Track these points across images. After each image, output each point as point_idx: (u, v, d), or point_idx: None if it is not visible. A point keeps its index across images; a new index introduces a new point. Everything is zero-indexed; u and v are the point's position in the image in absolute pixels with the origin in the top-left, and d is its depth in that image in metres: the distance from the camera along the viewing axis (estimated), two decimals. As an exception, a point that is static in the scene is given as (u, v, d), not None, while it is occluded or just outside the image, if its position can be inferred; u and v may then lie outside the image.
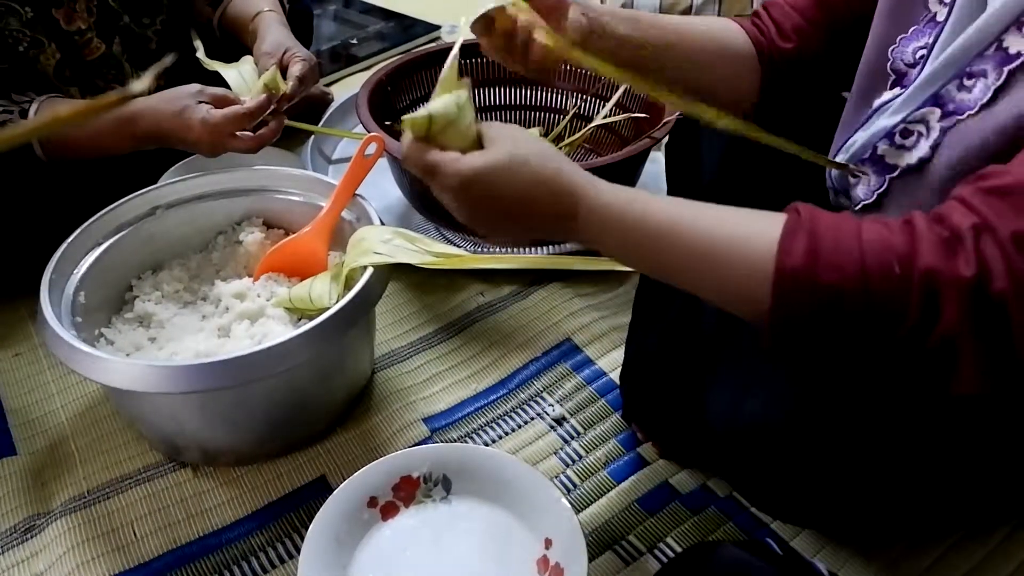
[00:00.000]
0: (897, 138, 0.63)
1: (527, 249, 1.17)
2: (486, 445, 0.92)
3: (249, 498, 0.87)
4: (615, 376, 0.99)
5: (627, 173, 1.16)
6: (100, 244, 0.95)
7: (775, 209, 0.54)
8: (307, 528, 0.76)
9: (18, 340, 1.08)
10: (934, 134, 0.59)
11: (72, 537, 0.83)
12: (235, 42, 1.19)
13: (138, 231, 0.98)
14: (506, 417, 0.96)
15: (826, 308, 0.49)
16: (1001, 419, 0.65)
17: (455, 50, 0.65)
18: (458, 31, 0.68)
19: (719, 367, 0.74)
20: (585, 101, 1.36)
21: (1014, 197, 0.47)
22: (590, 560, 0.72)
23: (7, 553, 0.83)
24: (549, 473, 0.88)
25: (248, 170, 1.05)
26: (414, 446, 0.89)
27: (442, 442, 0.92)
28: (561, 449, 0.92)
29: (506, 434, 0.94)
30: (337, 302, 0.83)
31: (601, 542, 0.82)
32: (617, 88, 1.28)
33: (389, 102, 1.26)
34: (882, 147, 0.64)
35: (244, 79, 1.09)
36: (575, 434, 0.93)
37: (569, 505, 0.76)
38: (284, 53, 1.05)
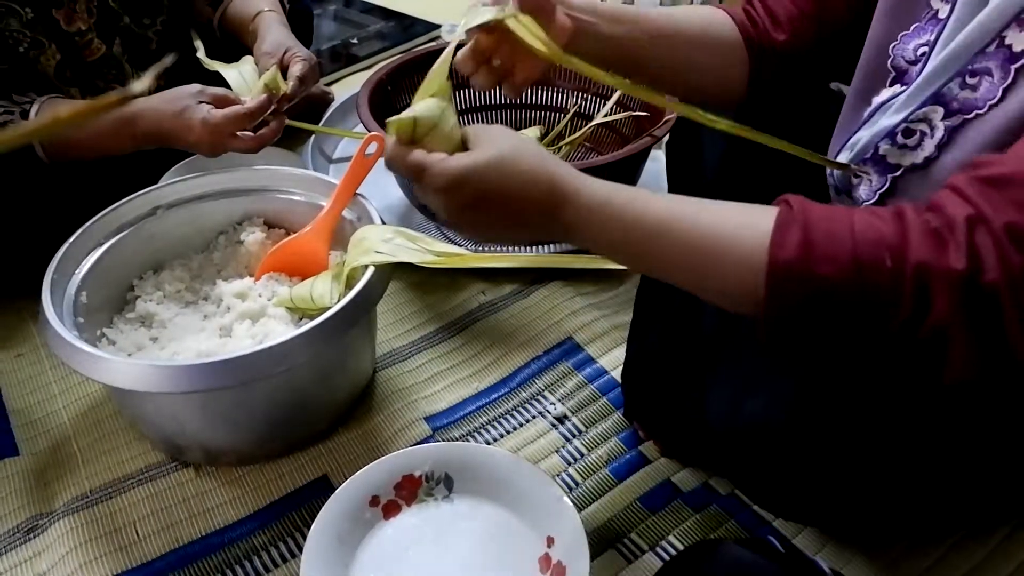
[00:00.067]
0: (899, 138, 0.62)
1: (528, 248, 1.17)
2: (488, 444, 0.92)
3: (251, 497, 0.87)
4: (616, 374, 0.99)
5: (628, 171, 1.16)
6: (101, 244, 0.95)
7: None
8: (309, 527, 0.76)
9: (20, 341, 1.08)
10: (939, 133, 0.59)
11: (75, 537, 0.83)
12: (235, 42, 1.19)
13: (139, 231, 0.99)
14: (508, 416, 0.96)
15: (819, 299, 0.49)
16: (1001, 418, 0.65)
17: (446, 53, 0.65)
18: (456, 32, 0.67)
19: (720, 366, 0.74)
20: (585, 100, 1.36)
21: (1010, 188, 0.47)
22: (592, 558, 0.72)
23: (10, 553, 0.83)
24: (551, 471, 0.88)
25: (249, 170, 1.05)
26: (416, 445, 0.89)
27: (444, 441, 0.92)
28: (563, 447, 0.92)
29: (508, 433, 0.94)
30: (338, 301, 0.83)
31: (603, 540, 0.82)
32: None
33: (389, 101, 1.26)
34: (884, 147, 0.64)
35: (244, 79, 1.09)
36: (577, 432, 0.93)
37: (571, 503, 0.76)
38: (284, 53, 1.05)
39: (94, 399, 0.99)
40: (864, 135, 0.66)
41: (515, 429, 0.94)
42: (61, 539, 0.83)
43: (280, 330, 0.89)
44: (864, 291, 0.48)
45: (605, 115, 1.29)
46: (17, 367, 1.05)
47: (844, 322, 0.50)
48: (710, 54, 0.77)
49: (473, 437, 0.93)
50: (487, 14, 0.65)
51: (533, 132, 1.34)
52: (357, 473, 0.80)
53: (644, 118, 1.23)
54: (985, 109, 0.56)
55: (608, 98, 1.30)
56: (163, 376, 0.76)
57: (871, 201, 0.66)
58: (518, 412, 0.96)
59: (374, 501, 0.80)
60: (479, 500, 0.81)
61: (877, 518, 0.77)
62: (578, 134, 1.31)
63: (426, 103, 0.61)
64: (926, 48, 0.62)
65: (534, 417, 0.96)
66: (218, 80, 1.08)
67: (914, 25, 0.64)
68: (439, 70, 0.64)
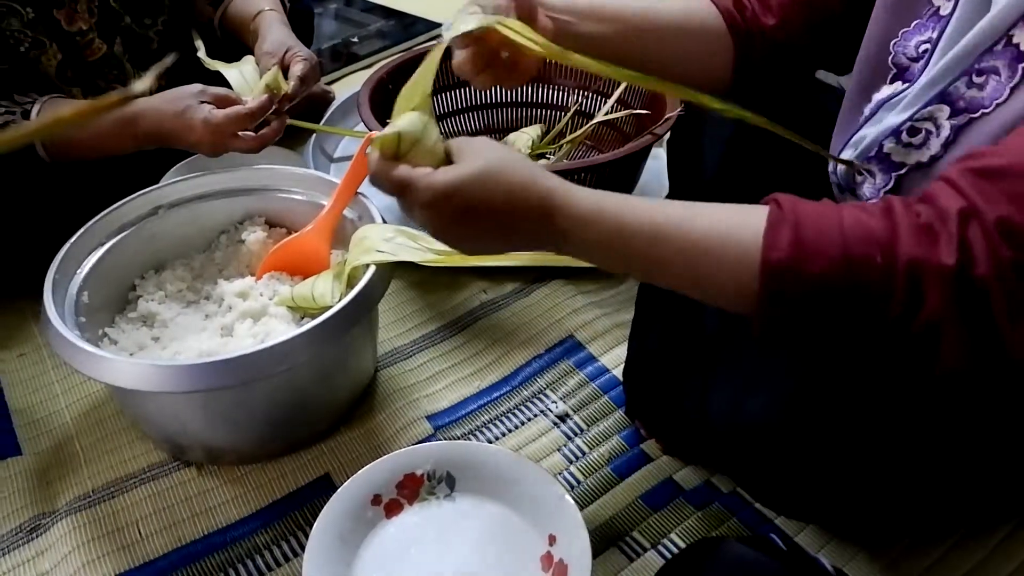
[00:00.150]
0: (904, 136, 0.62)
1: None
2: (489, 442, 0.92)
3: (253, 496, 0.87)
4: (618, 373, 0.99)
5: (629, 170, 1.16)
6: (103, 244, 0.95)
7: None
8: (311, 526, 0.76)
9: (22, 340, 1.08)
10: (944, 132, 0.59)
11: (77, 536, 0.83)
12: (236, 42, 1.19)
13: (141, 231, 0.99)
14: (509, 414, 0.96)
15: (813, 297, 0.50)
16: (1002, 416, 0.65)
17: (429, 65, 0.64)
18: (444, 39, 0.66)
19: (721, 363, 0.74)
20: (586, 98, 1.36)
21: (1004, 181, 0.47)
22: (594, 556, 0.72)
23: (13, 553, 0.83)
24: (553, 470, 0.88)
25: (250, 169, 1.05)
26: (417, 444, 0.89)
27: (445, 440, 0.92)
28: (564, 446, 0.92)
29: (509, 431, 0.94)
30: (339, 301, 0.83)
31: (605, 538, 0.82)
32: (619, 84, 1.28)
33: (390, 100, 1.25)
34: (888, 145, 0.64)
35: (246, 79, 1.09)
36: (578, 431, 0.93)
37: (573, 501, 0.76)
38: (286, 53, 1.05)
39: (96, 399, 0.99)
40: (868, 132, 0.66)
41: (517, 428, 0.94)
42: (63, 538, 0.83)
43: (281, 329, 0.89)
44: (856, 288, 0.49)
45: (606, 113, 1.29)
46: (19, 367, 1.05)
47: (838, 318, 0.50)
48: (693, 43, 0.77)
49: (475, 436, 0.93)
50: (473, 21, 0.65)
51: (534, 131, 1.34)
52: (359, 472, 0.80)
53: (645, 116, 1.23)
54: (992, 108, 0.55)
55: (609, 96, 1.30)
56: (165, 376, 0.76)
57: (875, 200, 0.66)
58: (520, 410, 0.97)
59: (376, 500, 0.80)
60: (481, 499, 0.81)
61: (879, 516, 0.77)
62: (579, 132, 1.31)
63: (408, 118, 0.60)
64: (928, 45, 0.62)
65: (536, 415, 0.96)
66: (219, 80, 1.08)
67: (915, 22, 0.63)
68: (421, 82, 0.63)
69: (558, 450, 0.91)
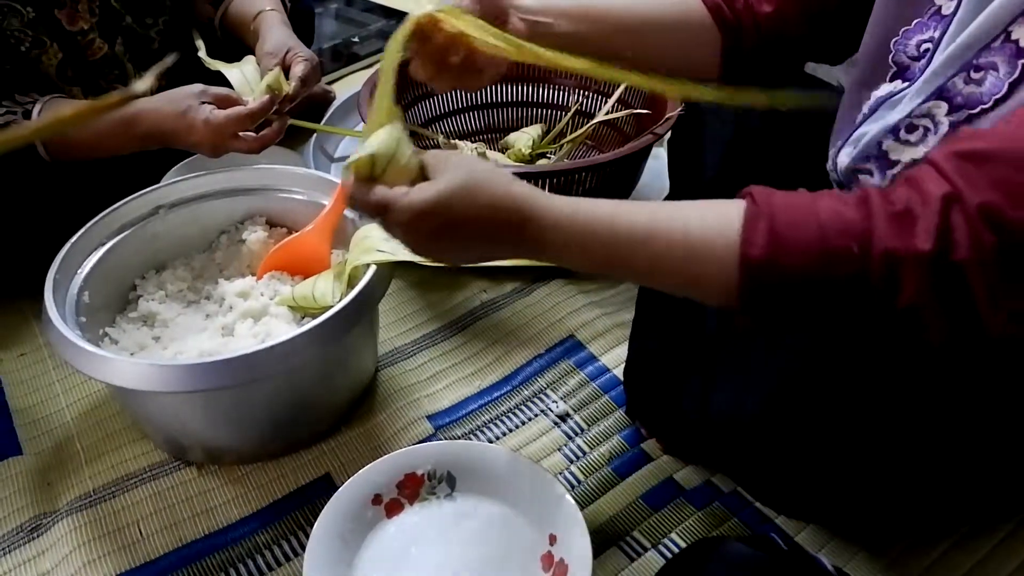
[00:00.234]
0: (903, 133, 0.62)
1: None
2: (490, 442, 0.92)
3: (254, 496, 0.87)
4: (619, 372, 0.99)
5: (629, 169, 1.16)
6: (103, 244, 0.95)
7: None
8: (312, 526, 0.76)
9: (23, 340, 1.08)
10: (943, 128, 0.59)
11: (78, 536, 0.83)
12: (236, 42, 1.19)
13: (141, 231, 0.99)
14: (510, 414, 0.96)
15: (793, 289, 0.51)
16: (1003, 414, 0.65)
17: (384, 78, 0.63)
18: (388, 44, 0.66)
19: (722, 363, 0.74)
20: (587, 97, 1.36)
21: (989, 165, 0.47)
22: (595, 556, 0.72)
23: (13, 552, 0.83)
24: (553, 469, 0.88)
25: (250, 169, 1.05)
26: (418, 443, 0.89)
27: (446, 439, 0.92)
28: (565, 445, 0.92)
29: (510, 431, 0.94)
30: (340, 300, 0.83)
31: (605, 538, 0.82)
32: (619, 84, 1.28)
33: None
34: (887, 143, 0.64)
35: (247, 79, 1.09)
36: (579, 430, 0.93)
37: (573, 501, 0.76)
38: (287, 53, 1.05)
39: (97, 398, 0.99)
40: (869, 130, 0.66)
41: (517, 427, 0.94)
42: (64, 538, 0.83)
43: (282, 329, 0.89)
44: (835, 278, 0.49)
45: (606, 113, 1.29)
46: (20, 367, 1.05)
47: (819, 306, 0.51)
48: (676, 37, 0.76)
49: (475, 435, 0.93)
50: (409, 22, 0.65)
51: (534, 130, 1.34)
52: (359, 472, 0.80)
53: (645, 116, 1.23)
54: (990, 104, 0.55)
55: (609, 96, 1.30)
56: (165, 375, 0.76)
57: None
58: (520, 410, 0.97)
59: (376, 500, 0.80)
60: (481, 498, 0.81)
61: (879, 515, 0.77)
62: (579, 132, 1.31)
63: (380, 137, 0.60)
64: (929, 45, 0.62)
65: (536, 415, 0.96)
66: (220, 80, 1.08)
67: (915, 20, 0.63)
68: (383, 93, 0.63)
69: (558, 450, 0.91)
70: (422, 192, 0.57)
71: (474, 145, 1.25)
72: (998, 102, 0.55)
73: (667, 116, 1.12)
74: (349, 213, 0.98)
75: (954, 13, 0.59)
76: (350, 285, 0.88)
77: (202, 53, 1.17)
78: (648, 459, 0.90)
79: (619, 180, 1.14)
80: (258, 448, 0.90)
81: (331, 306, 0.83)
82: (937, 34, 0.61)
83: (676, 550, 0.81)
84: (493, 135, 1.40)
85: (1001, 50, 0.54)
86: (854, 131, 0.68)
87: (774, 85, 0.79)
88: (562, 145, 1.32)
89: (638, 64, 0.77)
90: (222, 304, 0.96)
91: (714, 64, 0.77)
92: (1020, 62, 0.53)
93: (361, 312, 0.83)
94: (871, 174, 0.66)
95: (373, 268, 0.86)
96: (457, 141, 1.27)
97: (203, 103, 0.97)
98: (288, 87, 1.02)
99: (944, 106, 0.59)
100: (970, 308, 0.47)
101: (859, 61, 0.70)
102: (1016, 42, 0.54)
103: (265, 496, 0.87)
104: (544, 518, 0.77)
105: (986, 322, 0.47)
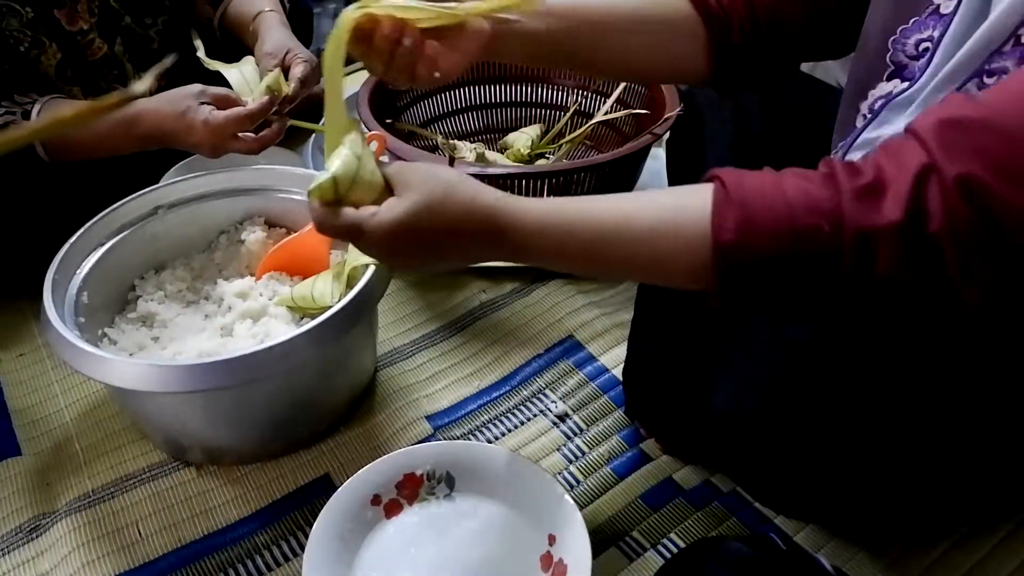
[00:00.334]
0: None
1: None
2: (489, 442, 0.92)
3: (253, 497, 0.87)
4: (618, 372, 0.99)
5: (628, 170, 1.16)
6: (103, 244, 0.95)
7: None
8: (311, 526, 0.76)
9: (22, 341, 1.08)
10: None
11: (77, 537, 0.83)
12: (235, 42, 1.19)
13: (140, 231, 0.99)
14: (509, 414, 0.96)
15: (765, 270, 0.51)
16: (1003, 414, 0.65)
17: (330, 92, 0.62)
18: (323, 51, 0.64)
19: (721, 363, 0.74)
20: (586, 97, 1.36)
21: (976, 133, 0.47)
22: (594, 556, 0.72)
23: (12, 553, 0.83)
24: (552, 470, 0.88)
25: (249, 169, 1.05)
26: (417, 444, 0.89)
27: (445, 439, 0.92)
28: (564, 446, 0.92)
29: (509, 431, 0.94)
30: (339, 301, 0.83)
31: (605, 538, 0.82)
32: (618, 84, 1.28)
33: (390, 100, 1.26)
34: None
35: (246, 79, 1.09)
36: (578, 431, 0.93)
37: (572, 501, 0.76)
38: (286, 54, 1.05)
39: (96, 399, 0.99)
40: (883, 133, 0.65)
41: (516, 427, 0.94)
42: (63, 539, 0.83)
43: (281, 329, 0.89)
44: (807, 257, 0.49)
45: (605, 113, 1.29)
46: (19, 367, 1.05)
47: (794, 284, 0.51)
48: (657, 34, 0.74)
49: (474, 435, 0.93)
50: (345, 27, 0.63)
51: (533, 131, 1.34)
52: (359, 472, 0.80)
53: (644, 116, 1.23)
54: None
55: (608, 96, 1.30)
56: (164, 376, 0.76)
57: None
58: (519, 410, 0.97)
59: (376, 500, 0.80)
60: (481, 499, 0.81)
61: (879, 515, 0.77)
62: (578, 132, 1.31)
63: (340, 157, 0.58)
64: (928, 44, 0.61)
65: (535, 415, 0.96)
66: (218, 80, 1.08)
67: (913, 19, 0.63)
68: (333, 108, 0.62)
69: (558, 450, 0.91)
70: (390, 211, 0.57)
71: (473, 145, 1.25)
72: None
73: (666, 116, 1.12)
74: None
75: (954, 12, 0.59)
76: (349, 285, 0.88)
77: (201, 53, 1.17)
78: (647, 459, 0.90)
79: (618, 180, 1.14)
80: (257, 448, 0.90)
81: (330, 306, 0.83)
82: (936, 33, 0.60)
83: (675, 550, 0.81)
84: (492, 135, 1.40)
85: (1012, 54, 0.54)
86: (859, 134, 0.68)
87: (770, 84, 0.79)
88: (561, 145, 1.32)
89: (617, 64, 0.76)
90: (221, 304, 0.96)
91: (702, 61, 0.75)
92: None
93: (360, 312, 0.83)
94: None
95: (372, 268, 0.86)
96: (456, 142, 1.27)
97: (202, 104, 0.97)
98: (287, 88, 1.02)
99: None
100: (944, 281, 0.47)
101: (856, 62, 0.70)
102: None
103: (264, 496, 0.87)
104: (543, 518, 0.77)
105: (960, 295, 0.47)
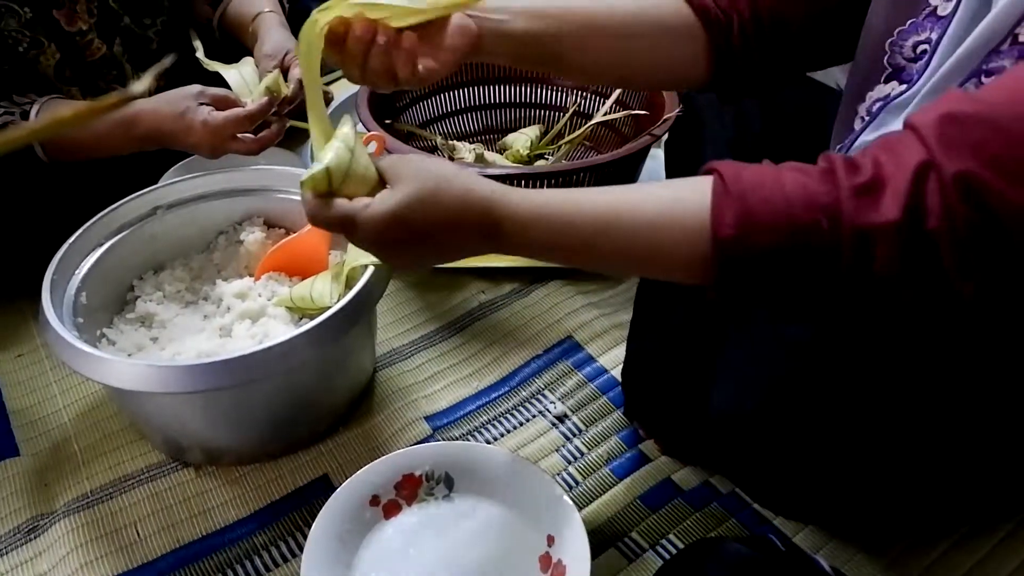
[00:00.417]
0: None
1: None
2: (488, 443, 0.92)
3: (252, 497, 0.87)
4: (616, 373, 0.99)
5: (627, 170, 1.16)
6: (101, 245, 0.95)
7: None
8: (310, 527, 0.76)
9: (20, 341, 1.08)
10: None
11: (75, 538, 0.83)
12: (234, 42, 1.19)
13: (139, 231, 0.98)
14: (508, 415, 0.96)
15: (764, 265, 0.51)
16: (1003, 414, 0.65)
17: (314, 94, 0.61)
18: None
19: (722, 362, 0.74)
20: (585, 98, 1.36)
21: (974, 129, 0.47)
22: (593, 557, 0.72)
23: (11, 554, 0.83)
24: (551, 470, 0.88)
25: (248, 170, 1.05)
26: (416, 444, 0.89)
27: (444, 440, 0.92)
28: (563, 446, 0.92)
29: (508, 432, 0.94)
30: (338, 301, 0.83)
31: (603, 539, 0.82)
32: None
33: (389, 101, 1.26)
34: None
35: (245, 80, 1.09)
36: (577, 431, 0.93)
37: (571, 502, 0.76)
38: (285, 55, 1.05)
39: (94, 399, 0.99)
40: (873, 135, 0.65)
41: (515, 428, 0.94)
42: (62, 539, 0.83)
43: (280, 330, 0.89)
44: (805, 252, 0.50)
45: (604, 114, 1.29)
46: (17, 367, 1.05)
47: (791, 280, 0.51)
48: (652, 39, 0.72)
49: (473, 436, 0.93)
50: (318, 33, 0.62)
51: (532, 131, 1.34)
52: (357, 473, 0.80)
53: (644, 117, 1.23)
54: None
55: (608, 97, 1.30)
56: (163, 376, 0.76)
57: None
58: (518, 411, 0.97)
59: (374, 501, 0.80)
60: (479, 499, 0.81)
61: (879, 516, 0.77)
62: (577, 133, 1.31)
63: (333, 149, 0.58)
64: (926, 46, 0.61)
65: (534, 416, 0.96)
66: (218, 81, 1.08)
67: (910, 21, 0.63)
68: (315, 112, 0.62)
69: (557, 451, 0.91)
70: (383, 203, 0.56)
71: (472, 146, 1.25)
72: None
73: (665, 117, 1.12)
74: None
75: (952, 14, 0.59)
76: (348, 286, 0.88)
77: (200, 54, 1.18)
78: (646, 460, 0.90)
79: (617, 181, 1.12)
80: (256, 449, 0.90)
81: (329, 307, 0.83)
82: (934, 35, 0.60)
83: (674, 551, 0.81)
84: (491, 136, 1.40)
85: (1009, 53, 0.54)
86: (857, 137, 0.68)
87: (771, 89, 0.79)
88: (560, 146, 1.32)
89: (611, 69, 0.75)
90: (220, 305, 0.96)
91: (702, 65, 0.74)
92: None
93: (359, 313, 0.83)
94: None
95: (371, 269, 0.86)
96: (455, 142, 1.27)
97: (201, 104, 0.97)
98: (287, 89, 1.02)
99: None
100: (940, 276, 0.47)
101: (854, 64, 0.69)
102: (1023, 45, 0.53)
103: (263, 497, 0.87)
104: (542, 519, 0.77)
105: (956, 291, 0.47)
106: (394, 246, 0.58)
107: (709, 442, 0.81)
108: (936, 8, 0.61)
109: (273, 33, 1.10)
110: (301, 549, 0.77)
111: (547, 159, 1.32)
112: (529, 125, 1.38)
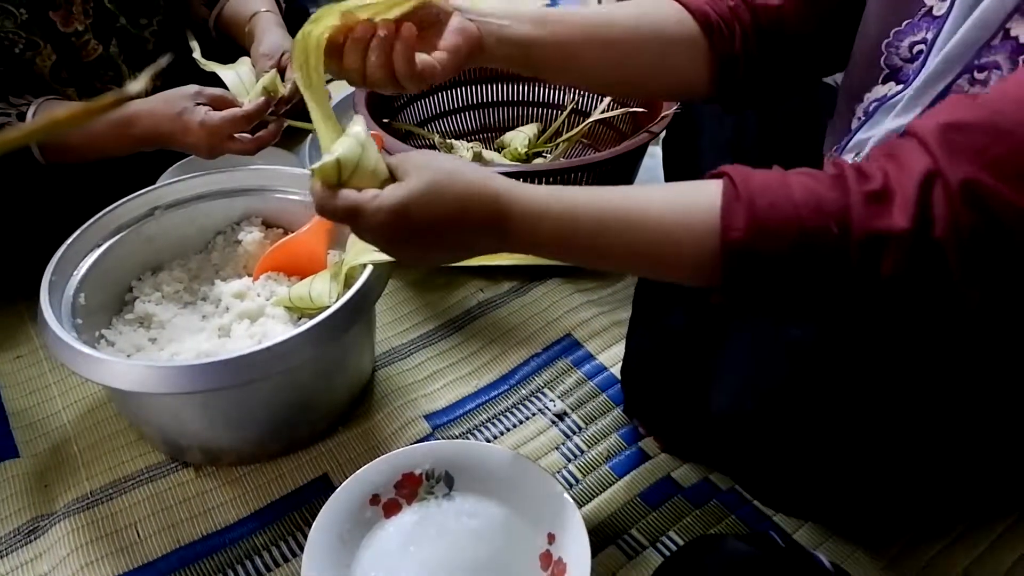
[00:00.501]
0: None
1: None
2: (488, 441, 0.92)
3: (252, 497, 0.87)
4: (616, 371, 0.99)
5: (625, 168, 1.16)
6: (100, 245, 0.95)
7: None
8: (310, 527, 0.76)
9: (19, 342, 1.08)
10: None
11: (76, 538, 0.83)
12: (231, 43, 1.19)
13: (137, 232, 0.98)
14: (507, 413, 0.96)
15: (773, 269, 0.51)
16: (1002, 409, 0.65)
17: (317, 98, 0.61)
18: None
19: (722, 362, 0.74)
20: (583, 96, 1.36)
21: (976, 136, 0.47)
22: (593, 554, 0.72)
23: (11, 555, 0.83)
24: (551, 468, 0.88)
25: (246, 170, 1.05)
26: (416, 443, 0.89)
27: (444, 439, 0.92)
28: (563, 444, 0.92)
29: (508, 430, 0.94)
30: (337, 301, 0.83)
31: (604, 536, 0.82)
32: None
33: (387, 100, 1.26)
34: None
35: (242, 80, 1.09)
36: (577, 429, 0.94)
37: (571, 500, 0.76)
38: (282, 55, 1.05)
39: (94, 400, 0.99)
40: (873, 135, 0.65)
41: (515, 426, 0.94)
42: (62, 540, 0.83)
43: (279, 330, 0.89)
44: (814, 257, 0.50)
45: (602, 111, 1.30)
46: (16, 368, 1.04)
47: (799, 285, 0.51)
48: (653, 48, 0.72)
49: (473, 435, 0.93)
50: (318, 42, 0.62)
51: (530, 129, 1.34)
52: (357, 472, 0.80)
53: (641, 114, 1.23)
54: None
55: (605, 95, 1.30)
56: (162, 377, 0.76)
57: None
58: (518, 409, 0.97)
59: (374, 500, 0.80)
60: (480, 498, 0.81)
61: (878, 513, 0.77)
62: (575, 131, 1.31)
63: (344, 142, 0.58)
64: (922, 46, 0.61)
65: (534, 414, 0.96)
66: (214, 81, 1.08)
67: (906, 21, 0.63)
68: (320, 114, 0.62)
69: (556, 448, 0.91)
70: (391, 195, 0.56)
71: (470, 145, 1.25)
72: None
73: (663, 115, 1.12)
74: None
75: (947, 14, 0.58)
76: (347, 285, 0.88)
77: (197, 54, 1.17)
78: (646, 457, 0.90)
79: (615, 179, 1.14)
80: (256, 449, 0.90)
81: (328, 306, 0.82)
82: (930, 36, 0.60)
83: (674, 548, 0.81)
84: (489, 134, 1.40)
85: (1002, 47, 0.54)
86: (852, 136, 0.68)
87: (773, 97, 0.78)
88: (558, 144, 1.32)
89: (612, 78, 0.74)
90: (218, 305, 0.96)
91: (704, 74, 0.73)
92: (1021, 58, 0.53)
93: (358, 312, 0.83)
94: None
95: (370, 268, 0.86)
96: (453, 141, 1.27)
97: (198, 104, 0.97)
98: (284, 89, 1.02)
99: None
100: (947, 282, 0.48)
101: (851, 65, 0.69)
102: (1016, 39, 0.53)
103: (263, 497, 0.87)
104: (542, 517, 0.77)
105: (962, 297, 0.48)
106: (399, 239, 0.58)
107: (709, 439, 0.81)
108: (932, 8, 0.60)
109: (270, 33, 1.10)
110: (301, 549, 0.77)
111: (545, 157, 1.32)
112: (527, 123, 1.38)
